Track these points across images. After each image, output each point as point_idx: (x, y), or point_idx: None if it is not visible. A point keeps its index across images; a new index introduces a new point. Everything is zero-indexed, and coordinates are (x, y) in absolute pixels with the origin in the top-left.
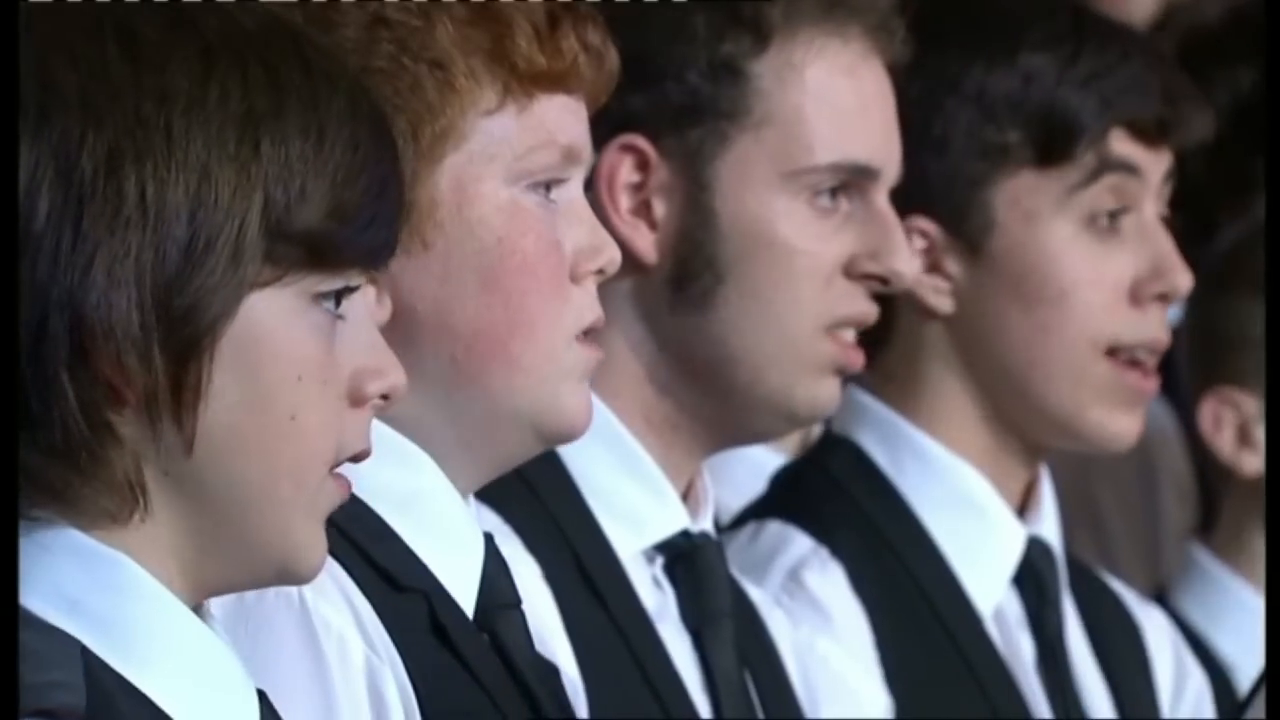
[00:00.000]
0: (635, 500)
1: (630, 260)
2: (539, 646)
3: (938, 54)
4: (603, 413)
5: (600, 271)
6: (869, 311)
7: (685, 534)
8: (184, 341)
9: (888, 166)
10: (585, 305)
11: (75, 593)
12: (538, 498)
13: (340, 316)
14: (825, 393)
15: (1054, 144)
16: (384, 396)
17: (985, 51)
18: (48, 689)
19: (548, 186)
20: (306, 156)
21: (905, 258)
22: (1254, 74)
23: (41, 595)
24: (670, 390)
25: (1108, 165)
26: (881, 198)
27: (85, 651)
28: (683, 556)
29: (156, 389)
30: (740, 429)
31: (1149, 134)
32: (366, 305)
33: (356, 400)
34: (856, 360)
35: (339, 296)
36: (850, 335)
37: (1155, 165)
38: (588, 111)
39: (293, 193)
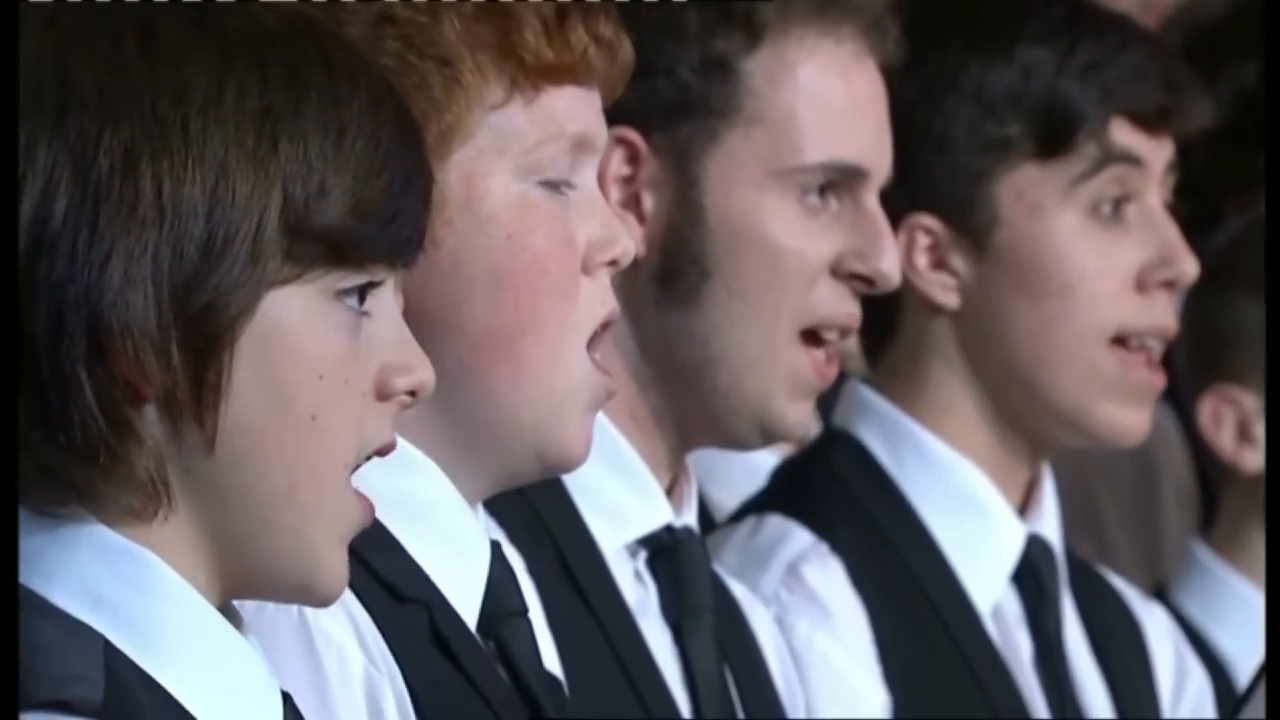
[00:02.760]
0: (618, 495)
1: None
2: None
3: (936, 51)
4: None
5: (614, 263)
6: (852, 314)
7: (668, 529)
8: (203, 340)
9: (878, 167)
10: (596, 301)
11: (100, 588)
12: (521, 490)
13: (365, 313)
14: (796, 415)
15: (1055, 136)
16: (411, 393)
17: (983, 47)
18: (66, 681)
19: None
20: (326, 153)
21: (892, 259)
22: (1258, 66)
23: (66, 590)
24: (652, 387)
25: (1110, 157)
26: (871, 198)
27: (108, 646)
28: (665, 551)
29: (176, 387)
30: (715, 433)
31: (1150, 122)
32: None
33: (383, 396)
34: (829, 375)
35: (363, 292)
36: (831, 339)
37: (1157, 154)
38: (603, 103)
39: (312, 190)
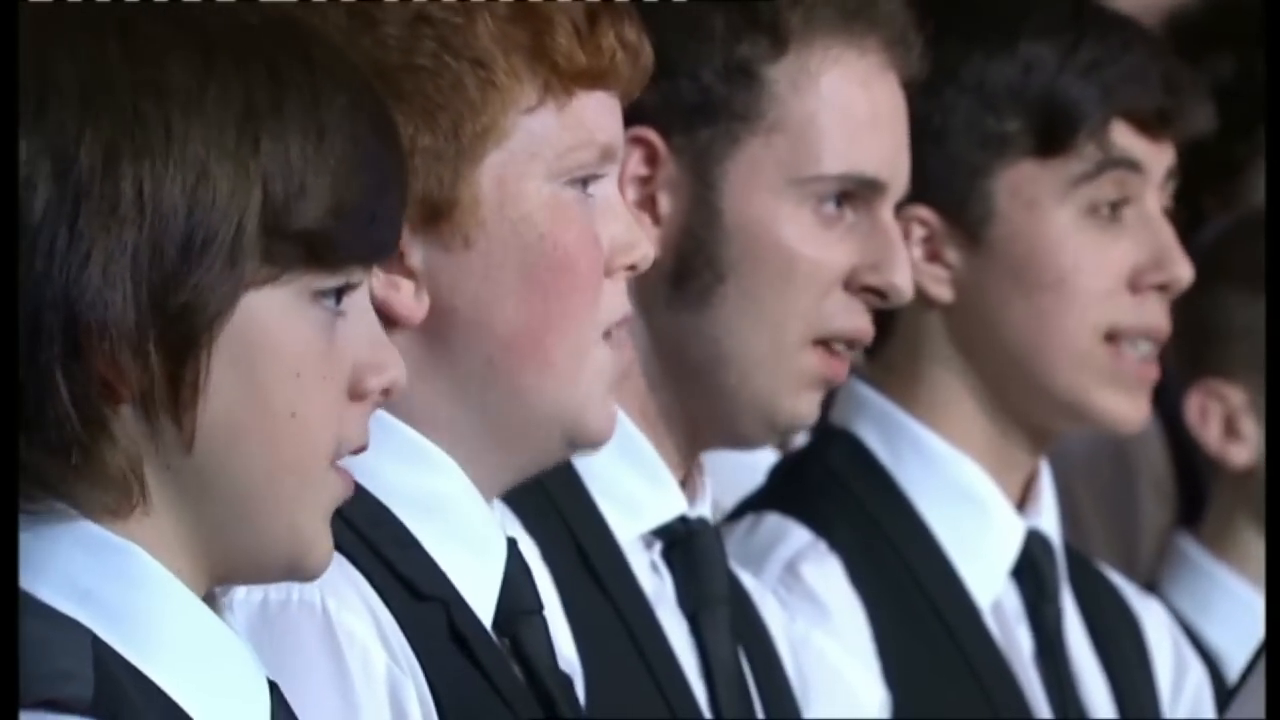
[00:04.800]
0: (633, 485)
1: None
2: None
3: (937, 43)
4: None
5: (633, 267)
6: (864, 329)
7: (683, 519)
8: (181, 339)
9: (895, 181)
10: (614, 301)
11: (86, 582)
12: (537, 479)
13: (341, 313)
14: (805, 406)
15: (1054, 134)
16: (385, 392)
17: (985, 40)
18: (56, 678)
19: (585, 181)
20: (306, 154)
21: (905, 273)
22: (1236, 61)
23: (52, 585)
24: (661, 387)
25: (1110, 160)
26: (886, 212)
27: (96, 641)
28: (680, 542)
29: (153, 386)
30: (724, 432)
31: (1150, 125)
32: (379, 296)
33: (356, 395)
34: (840, 373)
35: (339, 294)
36: (841, 351)
37: (1157, 159)
38: (621, 106)
39: (292, 190)
